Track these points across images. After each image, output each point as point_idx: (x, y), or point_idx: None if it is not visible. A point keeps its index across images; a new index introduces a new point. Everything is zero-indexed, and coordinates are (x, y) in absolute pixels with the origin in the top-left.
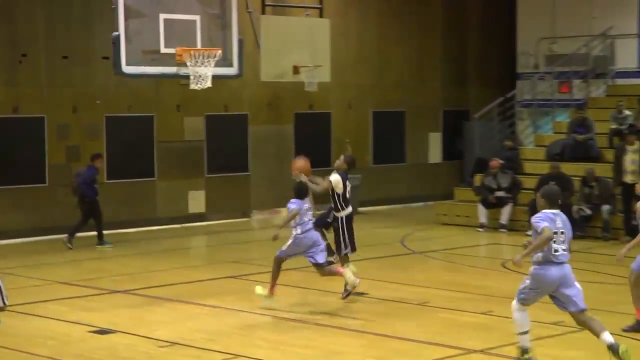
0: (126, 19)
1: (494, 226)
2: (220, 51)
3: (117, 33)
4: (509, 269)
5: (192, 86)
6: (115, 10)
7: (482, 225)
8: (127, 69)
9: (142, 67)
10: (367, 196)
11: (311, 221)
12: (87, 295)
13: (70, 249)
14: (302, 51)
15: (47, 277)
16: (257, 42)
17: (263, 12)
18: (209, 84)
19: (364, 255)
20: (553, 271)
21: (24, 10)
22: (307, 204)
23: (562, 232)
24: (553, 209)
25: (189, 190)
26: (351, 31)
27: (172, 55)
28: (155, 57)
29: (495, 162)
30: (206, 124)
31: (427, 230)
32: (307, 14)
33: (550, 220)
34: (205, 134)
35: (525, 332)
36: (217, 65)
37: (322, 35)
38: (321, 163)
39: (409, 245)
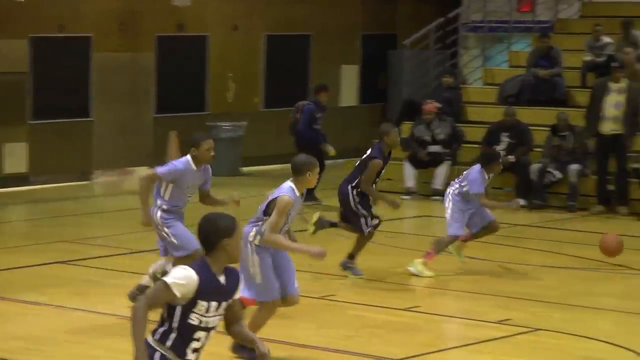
0: None
1: (425, 192)
2: None
3: None
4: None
5: None
6: None
7: (408, 191)
8: None
9: None
10: (253, 152)
11: None
12: None
13: None
14: None
15: None
16: None
17: None
18: None
19: None
20: None
21: None
22: None
23: None
24: None
25: (4, 143)
26: None
27: None
28: None
29: (431, 106)
30: (31, 50)
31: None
32: None
33: None
34: (30, 63)
35: None
36: None
37: None
38: (194, 107)
39: None
